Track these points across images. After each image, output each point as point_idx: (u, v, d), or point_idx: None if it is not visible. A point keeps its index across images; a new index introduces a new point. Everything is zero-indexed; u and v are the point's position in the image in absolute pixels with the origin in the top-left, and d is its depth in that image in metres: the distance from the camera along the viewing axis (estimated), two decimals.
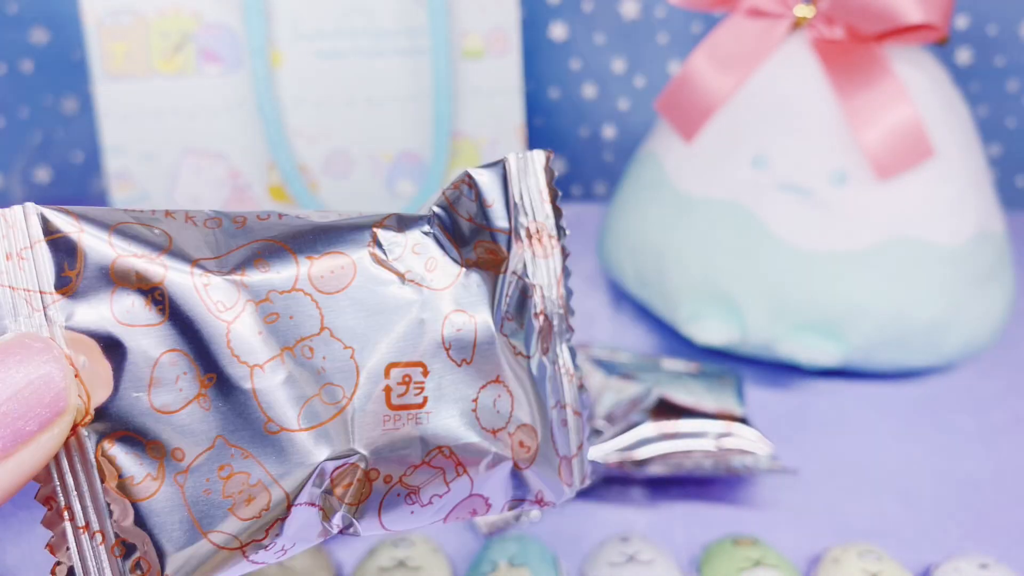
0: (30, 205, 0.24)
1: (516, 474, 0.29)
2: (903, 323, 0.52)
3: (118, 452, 0.24)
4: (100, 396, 0.24)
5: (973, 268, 0.53)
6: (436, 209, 0.29)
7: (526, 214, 0.29)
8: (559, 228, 0.30)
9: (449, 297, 0.28)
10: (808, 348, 0.52)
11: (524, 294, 0.29)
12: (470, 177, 0.29)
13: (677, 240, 0.55)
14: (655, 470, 0.46)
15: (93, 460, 0.24)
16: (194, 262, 0.25)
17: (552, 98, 0.74)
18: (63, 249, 0.24)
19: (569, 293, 0.30)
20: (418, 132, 0.56)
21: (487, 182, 0.29)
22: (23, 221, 0.24)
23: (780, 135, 0.53)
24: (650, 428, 0.46)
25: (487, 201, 0.29)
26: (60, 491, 0.24)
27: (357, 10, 0.53)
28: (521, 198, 0.29)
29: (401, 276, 0.27)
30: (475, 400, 0.28)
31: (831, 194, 0.52)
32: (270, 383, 0.25)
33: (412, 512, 0.27)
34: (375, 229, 0.27)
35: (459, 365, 0.28)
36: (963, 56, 0.69)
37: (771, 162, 0.53)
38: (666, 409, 0.47)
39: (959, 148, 0.53)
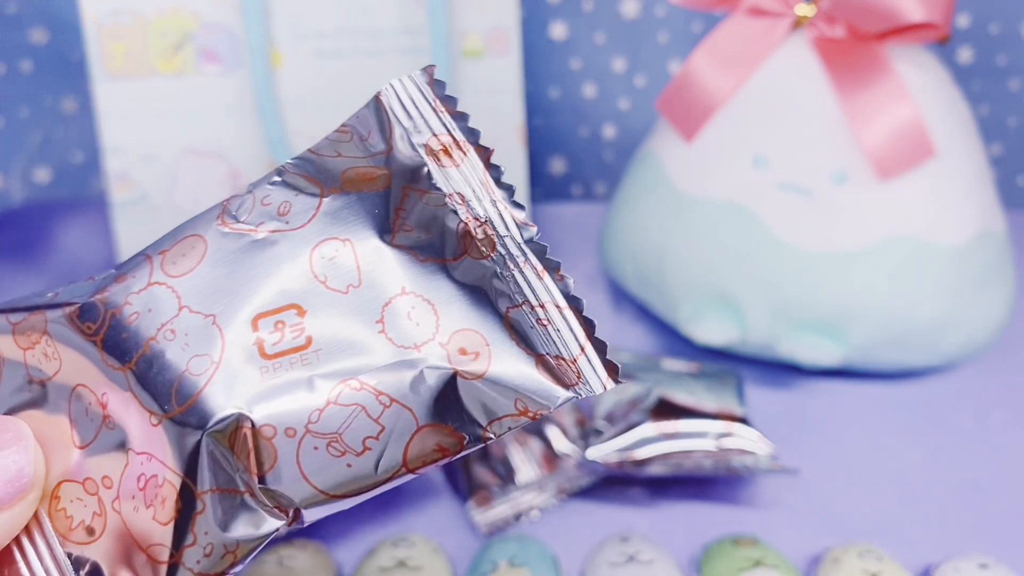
0: None
1: (469, 385, 0.26)
2: (903, 323, 0.52)
3: (64, 503, 0.25)
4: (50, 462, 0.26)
5: (974, 268, 0.53)
6: (290, 160, 0.28)
7: (420, 131, 0.28)
8: (467, 132, 0.28)
9: (312, 231, 0.27)
10: (808, 348, 0.52)
11: (432, 203, 0.27)
12: (343, 125, 0.29)
13: (677, 240, 0.55)
14: (655, 470, 0.46)
15: (47, 519, 0.26)
16: (66, 304, 0.27)
17: (552, 98, 0.74)
18: None
19: (508, 190, 0.28)
20: None
21: (360, 121, 0.29)
22: None
23: (781, 135, 0.53)
24: (650, 428, 0.46)
25: (362, 135, 0.29)
26: (23, 564, 0.26)
27: (357, 10, 0.53)
28: (410, 118, 0.28)
29: (253, 231, 0.27)
30: (380, 320, 0.26)
31: (832, 194, 0.52)
32: (142, 377, 0.26)
33: (349, 465, 0.25)
34: (226, 202, 0.27)
35: (345, 292, 0.26)
36: (964, 55, 0.69)
37: (772, 162, 0.53)
38: (666, 409, 0.47)
39: (960, 147, 0.53)
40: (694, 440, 0.46)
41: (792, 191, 0.53)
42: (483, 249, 0.27)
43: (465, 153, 0.28)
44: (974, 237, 0.53)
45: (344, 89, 0.54)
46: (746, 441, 0.46)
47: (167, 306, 0.26)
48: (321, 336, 0.26)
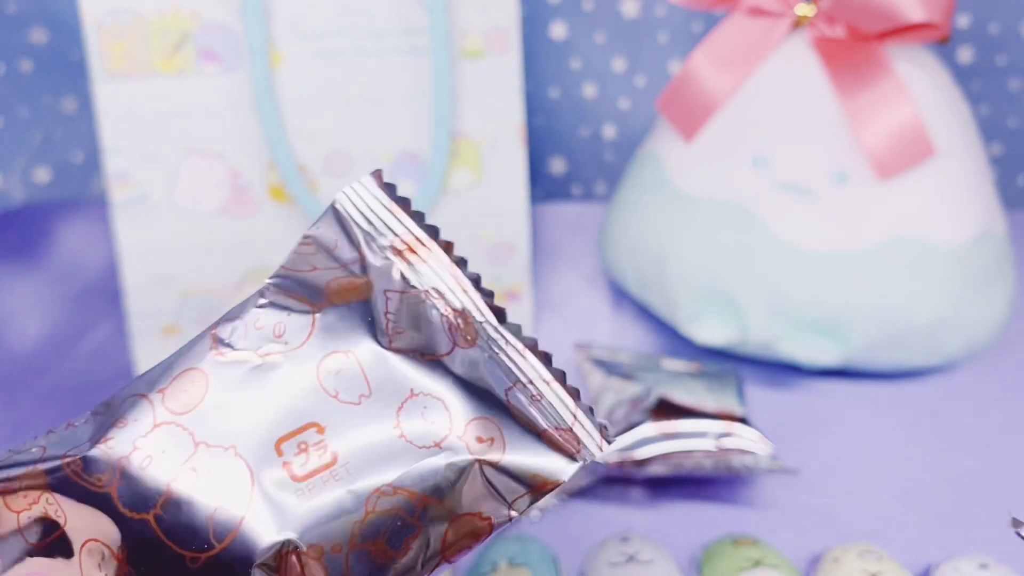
0: None
1: (491, 470, 0.27)
2: (903, 323, 0.52)
3: None
4: None
5: (974, 268, 0.53)
6: (269, 280, 0.28)
7: (383, 235, 0.29)
8: (427, 229, 0.29)
9: (313, 348, 0.27)
10: (808, 348, 0.52)
11: (414, 303, 0.28)
12: (305, 236, 0.29)
13: (677, 240, 0.55)
14: (655, 470, 0.46)
15: None
16: (63, 456, 0.26)
17: (552, 98, 0.74)
18: None
19: (475, 279, 0.29)
20: (418, 132, 0.55)
21: (323, 231, 0.29)
22: None
23: (781, 135, 0.53)
24: (650, 428, 0.46)
25: (330, 246, 0.29)
26: None
27: (357, 10, 0.53)
28: (370, 223, 0.29)
29: (253, 356, 0.27)
30: (397, 425, 0.26)
31: (832, 194, 0.52)
32: (172, 520, 0.25)
33: (395, 565, 0.26)
34: (214, 331, 0.27)
35: (358, 403, 0.27)
36: (964, 55, 0.69)
37: (771, 162, 0.53)
38: (666, 409, 0.47)
39: (960, 147, 0.53)
40: (694, 440, 0.46)
41: (792, 191, 0.53)
42: (468, 338, 0.28)
43: (429, 249, 0.29)
44: (974, 237, 0.53)
45: (344, 89, 0.54)
46: (746, 441, 0.46)
47: (182, 445, 0.26)
48: (346, 450, 0.26)
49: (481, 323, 0.28)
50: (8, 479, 0.26)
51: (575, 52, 0.72)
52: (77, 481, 0.26)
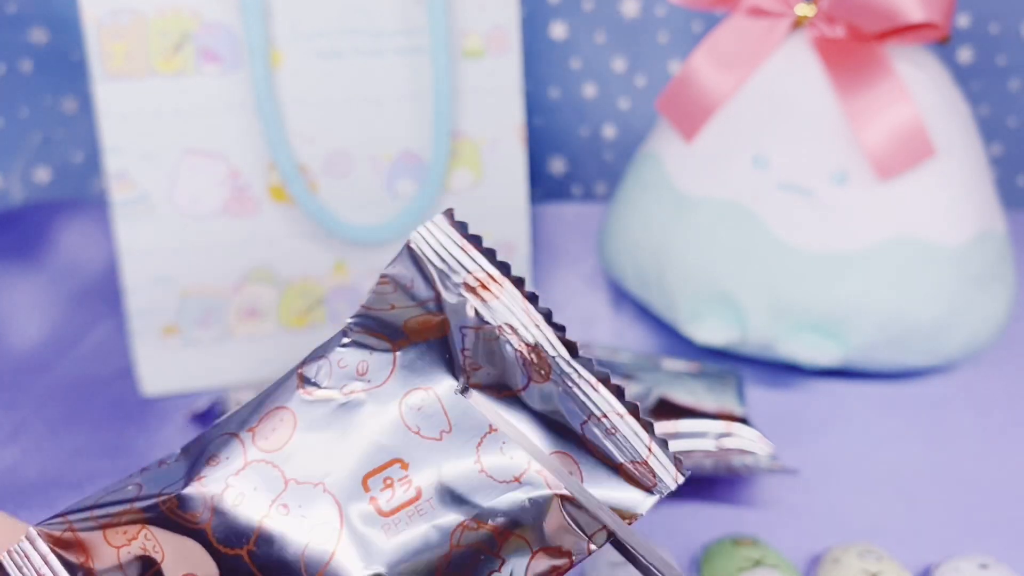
0: (31, 531, 0.26)
1: (570, 505, 0.27)
2: (903, 323, 0.52)
3: None
4: None
5: (974, 268, 0.53)
6: (351, 320, 0.29)
7: (456, 272, 0.29)
8: (498, 266, 0.30)
9: (394, 385, 0.28)
10: (808, 348, 0.52)
11: (489, 339, 0.29)
12: (382, 276, 0.30)
13: (677, 240, 0.55)
14: None
15: None
16: (158, 495, 0.27)
17: (552, 98, 0.74)
18: (68, 548, 0.27)
19: (547, 314, 0.29)
20: (418, 132, 0.55)
21: (399, 270, 0.29)
22: (32, 550, 0.26)
23: (781, 135, 0.53)
24: None
25: (406, 284, 0.29)
26: None
27: (357, 10, 0.53)
28: (443, 261, 0.29)
29: (338, 394, 0.27)
30: (477, 460, 0.27)
31: (832, 194, 0.52)
32: (265, 556, 0.26)
33: None
34: (299, 370, 0.28)
35: (439, 439, 0.27)
36: (964, 55, 0.69)
37: (772, 162, 0.53)
38: (666, 409, 0.47)
39: (960, 148, 0.53)
40: (694, 440, 0.46)
41: (792, 191, 0.53)
42: (542, 372, 0.29)
43: (501, 285, 0.29)
44: (974, 237, 0.53)
45: (344, 89, 0.54)
46: (746, 441, 0.46)
47: (272, 482, 0.27)
48: (429, 485, 0.27)
49: (554, 357, 0.29)
50: (107, 515, 0.27)
51: (575, 52, 0.72)
52: (173, 518, 0.26)
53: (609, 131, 0.74)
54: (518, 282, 0.29)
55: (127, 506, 0.27)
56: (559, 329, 0.29)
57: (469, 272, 0.29)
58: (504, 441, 0.27)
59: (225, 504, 0.26)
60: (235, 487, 0.26)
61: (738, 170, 0.54)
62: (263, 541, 0.26)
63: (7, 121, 0.70)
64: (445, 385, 0.28)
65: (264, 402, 0.28)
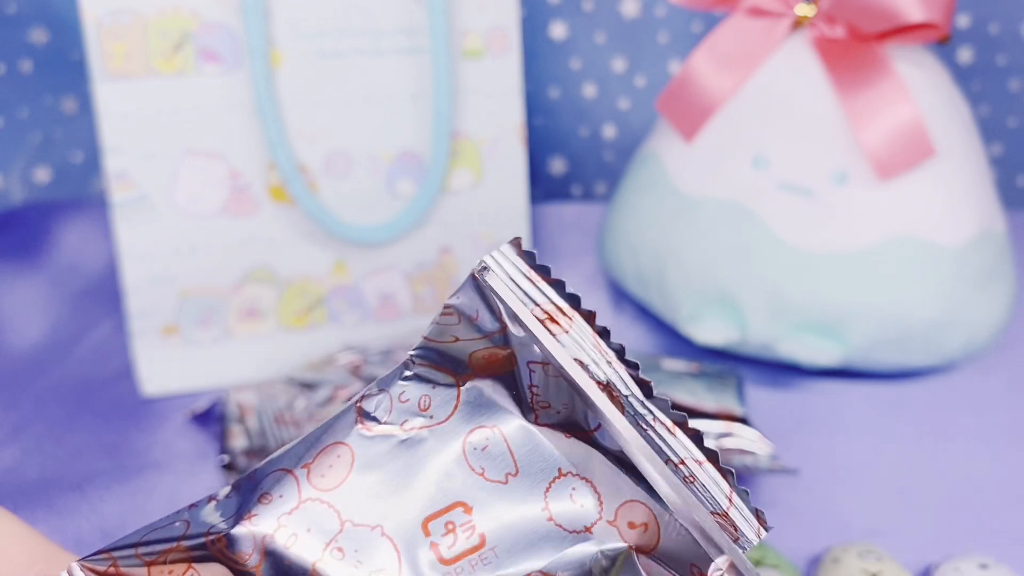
0: (73, 565, 0.25)
1: (644, 561, 0.25)
2: (903, 323, 0.52)
3: None
4: None
5: (974, 268, 0.53)
6: (413, 352, 0.27)
7: (524, 304, 0.27)
8: (568, 298, 0.27)
9: (458, 422, 0.26)
10: (808, 348, 0.52)
11: (558, 375, 0.27)
12: (446, 306, 0.28)
13: (677, 240, 0.55)
14: None
15: None
16: (206, 534, 0.25)
17: (552, 98, 0.74)
18: None
19: (619, 350, 0.27)
20: (418, 132, 0.55)
21: (463, 301, 0.27)
22: None
23: (781, 135, 0.53)
24: None
25: (471, 316, 0.27)
26: None
27: (357, 9, 0.53)
28: (511, 292, 0.27)
29: (398, 431, 0.26)
30: (545, 508, 0.25)
31: (832, 194, 0.52)
32: None
33: None
34: (359, 403, 0.27)
35: (505, 482, 0.26)
36: (964, 55, 0.69)
37: (772, 162, 0.53)
38: None
39: (960, 148, 0.53)
40: None
41: (792, 191, 0.53)
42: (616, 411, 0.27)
43: (571, 319, 0.27)
44: (974, 237, 0.53)
45: (344, 89, 0.54)
46: (746, 441, 0.46)
47: (327, 523, 0.25)
48: (493, 532, 0.25)
49: (627, 397, 0.27)
50: (153, 553, 0.25)
51: (575, 52, 0.72)
52: (221, 558, 0.25)
53: (609, 131, 0.74)
54: (589, 315, 0.27)
55: (173, 544, 0.25)
56: (632, 367, 0.27)
57: (537, 304, 0.27)
58: (574, 487, 0.26)
59: (276, 545, 0.25)
60: (287, 527, 0.25)
61: (738, 170, 0.54)
62: None
63: (7, 121, 0.70)
64: (512, 423, 0.26)
65: (321, 437, 0.26)
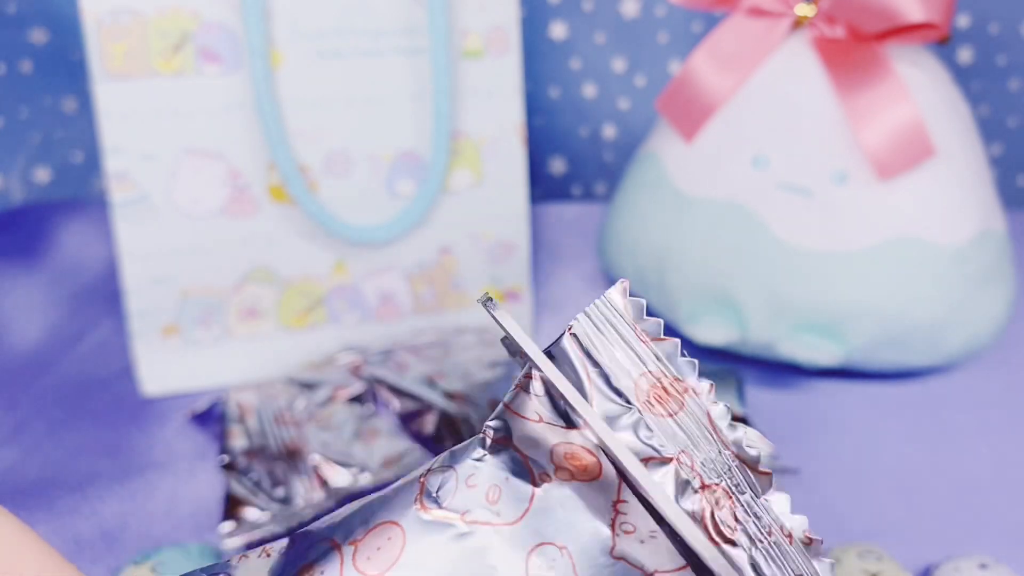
0: None
1: None
2: (903, 323, 0.52)
3: None
4: None
5: (974, 268, 0.53)
6: (490, 423, 0.23)
7: (627, 371, 0.23)
8: (678, 361, 0.23)
9: (526, 530, 0.22)
10: (808, 348, 0.52)
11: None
12: (528, 366, 0.23)
13: (677, 240, 0.55)
14: None
15: None
16: None
17: (552, 98, 0.74)
18: None
19: (738, 441, 0.22)
20: (418, 132, 0.55)
21: (553, 371, 0.23)
22: None
23: (781, 135, 0.53)
24: None
25: (557, 395, 0.23)
26: None
27: (357, 9, 0.53)
28: (609, 360, 0.23)
29: (459, 519, 0.22)
30: None
31: (832, 194, 0.52)
32: None
33: None
34: (423, 478, 0.23)
35: None
36: (964, 55, 0.69)
37: (772, 162, 0.53)
38: None
39: (960, 148, 0.53)
40: None
41: (792, 191, 0.53)
42: (728, 527, 0.22)
43: (683, 394, 0.23)
44: (974, 237, 0.53)
45: (344, 89, 0.54)
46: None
47: None
48: None
49: (743, 496, 0.22)
50: None
51: (575, 52, 0.72)
52: None
53: (609, 131, 0.74)
54: (707, 389, 0.23)
55: None
56: (753, 462, 0.22)
57: (646, 372, 0.23)
58: None
59: None
60: None
61: (738, 170, 0.54)
62: None
63: (7, 121, 0.70)
64: (586, 551, 0.22)
65: (377, 511, 0.23)
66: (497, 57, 0.56)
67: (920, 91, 0.52)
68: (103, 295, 0.65)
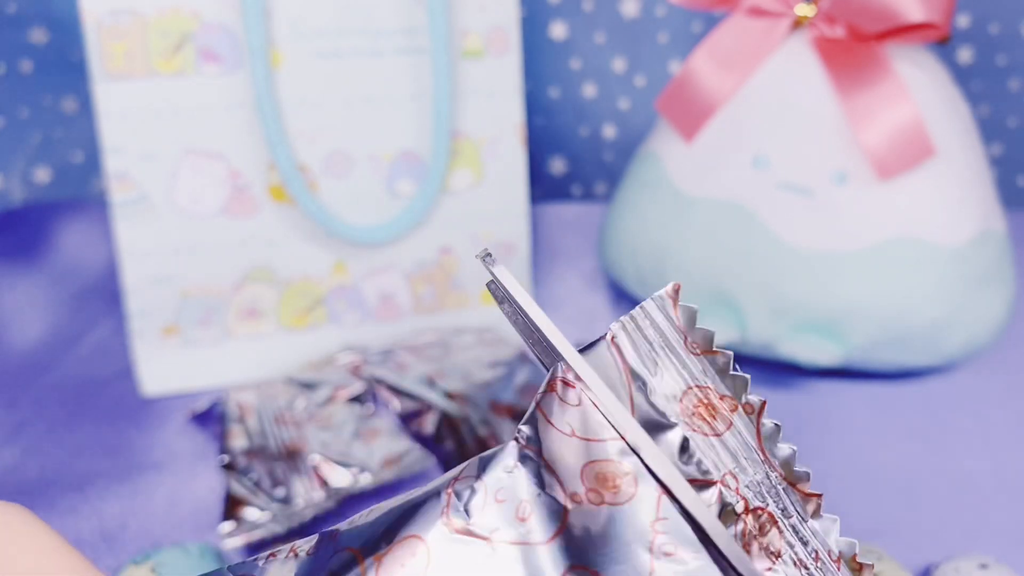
0: None
1: None
2: (903, 323, 0.52)
3: None
4: None
5: (974, 268, 0.53)
6: (524, 428, 0.22)
7: (671, 384, 0.21)
8: (729, 376, 0.21)
9: (555, 553, 0.21)
10: (809, 348, 0.52)
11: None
12: (567, 375, 0.21)
13: (677, 240, 0.55)
14: None
15: None
16: None
17: (552, 98, 0.74)
18: None
19: (787, 462, 0.21)
20: (418, 132, 0.55)
21: (589, 377, 0.21)
22: None
23: (781, 135, 0.53)
24: None
25: (594, 402, 0.21)
26: None
27: (357, 10, 0.53)
28: (656, 365, 0.21)
29: (486, 539, 0.21)
30: None
31: (832, 194, 0.52)
32: None
33: None
34: (450, 489, 0.22)
35: None
36: (964, 55, 0.69)
37: (772, 162, 0.53)
38: None
39: (960, 148, 0.53)
40: None
41: (792, 191, 0.53)
42: (770, 551, 0.21)
43: (730, 411, 0.21)
44: (974, 237, 0.53)
45: (344, 89, 0.54)
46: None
47: None
48: None
49: (789, 520, 0.21)
50: None
51: (575, 52, 0.72)
52: None
53: (609, 131, 0.74)
54: (751, 408, 0.21)
55: None
56: (803, 476, 0.20)
57: (693, 386, 0.21)
58: None
59: None
60: None
61: (738, 170, 0.54)
62: None
63: (7, 121, 0.70)
64: (621, 571, 0.20)
65: (404, 523, 0.22)
66: (497, 57, 0.56)
67: (920, 91, 0.52)
68: (103, 295, 0.65)
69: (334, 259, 0.56)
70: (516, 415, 0.50)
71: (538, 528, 0.21)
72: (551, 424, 0.21)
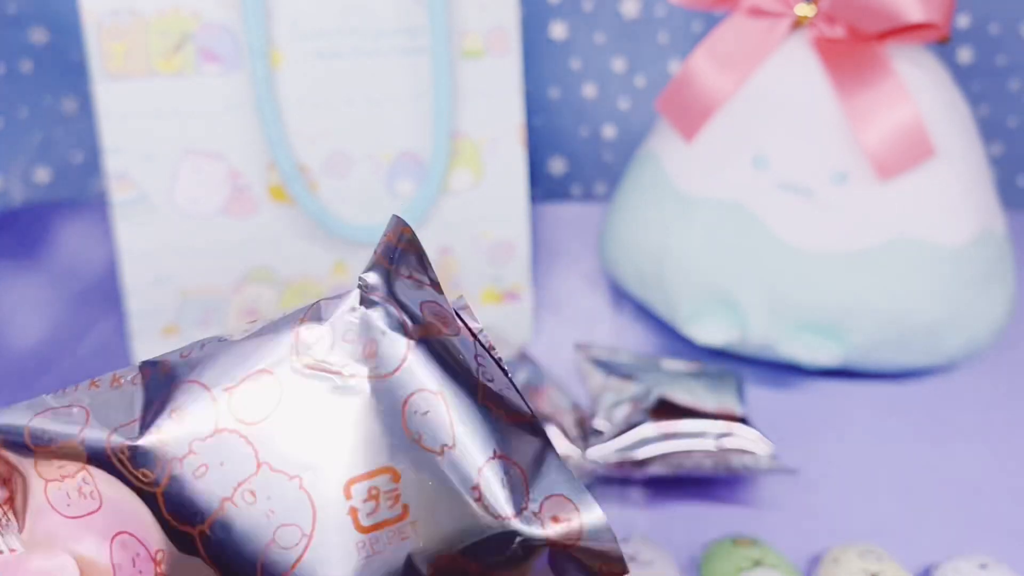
0: None
1: (561, 554, 0.24)
2: (904, 323, 0.52)
3: None
4: None
5: (974, 268, 0.53)
6: (366, 277, 0.24)
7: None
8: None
9: (402, 380, 0.24)
10: (809, 348, 0.52)
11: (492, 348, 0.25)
12: (402, 224, 0.25)
13: (677, 240, 0.55)
14: (655, 470, 0.46)
15: None
16: (111, 431, 0.23)
17: (552, 98, 0.74)
18: None
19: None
20: (418, 132, 0.55)
21: (411, 237, 0.25)
22: None
23: (781, 135, 0.53)
24: (650, 428, 0.46)
25: (420, 254, 0.25)
26: None
27: (357, 9, 0.53)
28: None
29: (336, 374, 0.23)
30: (476, 487, 0.23)
31: (832, 194, 0.52)
32: (219, 544, 0.22)
33: None
34: (297, 328, 0.24)
35: (440, 453, 0.23)
36: (964, 55, 0.69)
37: (772, 162, 0.53)
38: (666, 409, 0.47)
39: (960, 148, 0.53)
40: (694, 440, 0.46)
41: (792, 191, 0.53)
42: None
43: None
44: (974, 237, 0.53)
45: (344, 89, 0.54)
46: (746, 441, 0.46)
47: (243, 460, 0.23)
48: (417, 505, 0.23)
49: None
50: (44, 441, 0.23)
51: (575, 52, 0.72)
52: (122, 470, 0.23)
53: (609, 131, 0.74)
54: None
55: (69, 439, 0.23)
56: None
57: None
58: (507, 472, 0.24)
59: (184, 472, 0.22)
60: (200, 455, 0.22)
61: (738, 170, 0.54)
62: (220, 527, 0.22)
63: (7, 121, 0.70)
64: (458, 395, 0.24)
65: (250, 357, 0.23)
66: (497, 57, 0.56)
67: (920, 91, 0.52)
68: (103, 295, 0.65)
69: (334, 259, 0.56)
70: None
71: (384, 363, 0.24)
72: (395, 270, 0.25)
